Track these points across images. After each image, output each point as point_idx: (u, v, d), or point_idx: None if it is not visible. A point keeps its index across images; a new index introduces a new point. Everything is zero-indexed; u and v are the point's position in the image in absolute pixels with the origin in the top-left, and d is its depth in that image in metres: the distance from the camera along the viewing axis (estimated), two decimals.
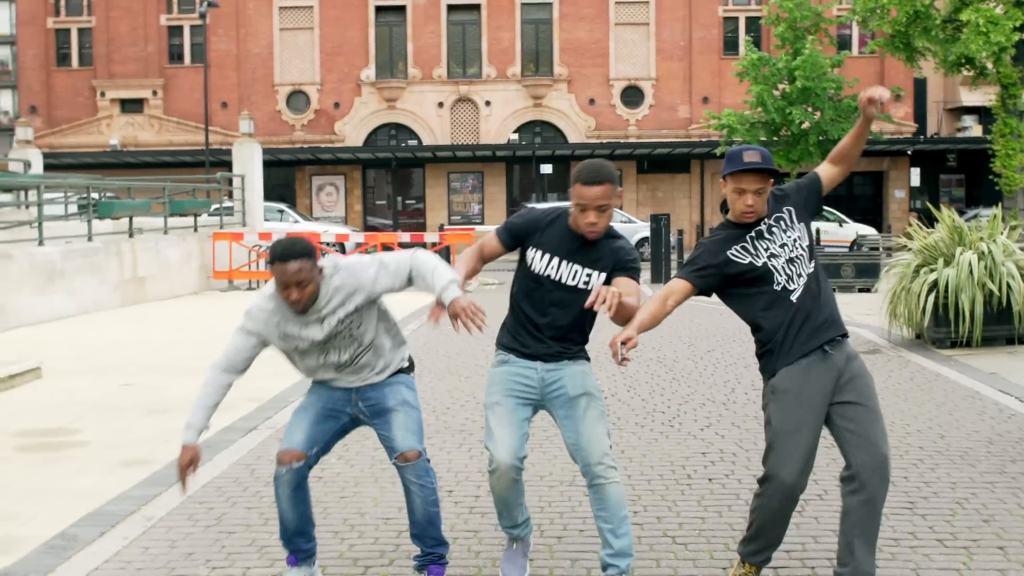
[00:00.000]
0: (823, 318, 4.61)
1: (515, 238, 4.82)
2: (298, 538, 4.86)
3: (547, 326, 4.77)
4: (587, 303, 4.38)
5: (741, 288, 4.69)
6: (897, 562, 5.14)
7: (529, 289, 4.81)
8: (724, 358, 12.00)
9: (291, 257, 4.49)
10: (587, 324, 4.83)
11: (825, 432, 4.68)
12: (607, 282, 4.66)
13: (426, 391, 10.07)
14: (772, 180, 4.68)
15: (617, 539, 4.69)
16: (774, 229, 4.69)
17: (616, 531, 4.69)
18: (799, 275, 4.63)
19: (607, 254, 4.71)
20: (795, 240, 4.68)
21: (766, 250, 4.65)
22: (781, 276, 4.62)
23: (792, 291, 4.61)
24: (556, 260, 4.70)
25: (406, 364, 5.00)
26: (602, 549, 4.74)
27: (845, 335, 4.66)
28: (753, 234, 4.67)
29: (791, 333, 4.59)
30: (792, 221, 4.72)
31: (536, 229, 4.78)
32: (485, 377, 10.14)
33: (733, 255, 4.65)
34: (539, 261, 4.73)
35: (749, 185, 4.59)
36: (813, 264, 4.69)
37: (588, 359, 4.89)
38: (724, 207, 4.86)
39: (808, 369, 4.56)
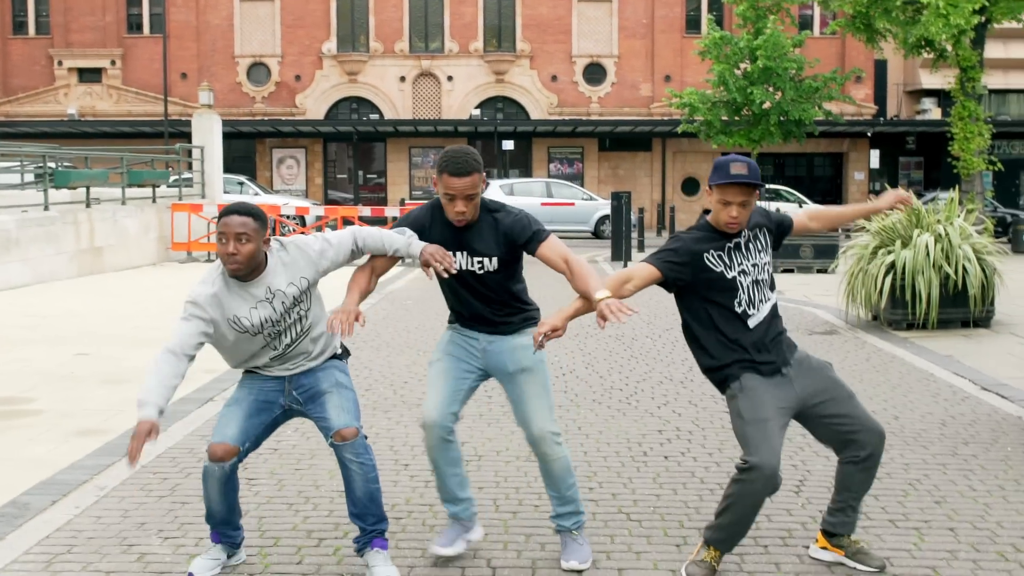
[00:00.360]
0: (776, 353, 4.68)
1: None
2: (223, 526, 4.78)
3: (473, 314, 4.88)
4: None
5: (702, 294, 4.68)
6: None
7: (442, 284, 4.92)
8: (683, 337, 12.02)
9: (236, 212, 4.49)
10: (513, 296, 4.89)
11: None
12: (530, 251, 4.75)
13: (384, 365, 10.05)
14: (758, 192, 4.67)
15: (563, 504, 4.89)
16: (751, 245, 4.70)
17: (563, 497, 4.89)
18: (761, 301, 4.67)
19: (489, 232, 4.76)
20: (764, 264, 4.71)
21: (739, 264, 4.66)
22: (743, 296, 4.64)
23: (750, 316, 4.64)
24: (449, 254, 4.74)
25: (339, 351, 4.95)
26: (552, 512, 4.95)
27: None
28: (732, 245, 4.66)
29: (744, 359, 4.64)
30: (766, 244, 4.76)
31: (422, 228, 4.83)
32: None
33: (708, 259, 4.63)
34: None
35: (735, 197, 4.56)
36: (774, 295, 4.75)
37: (535, 323, 4.93)
38: (706, 211, 4.86)
39: (769, 381, 4.63)
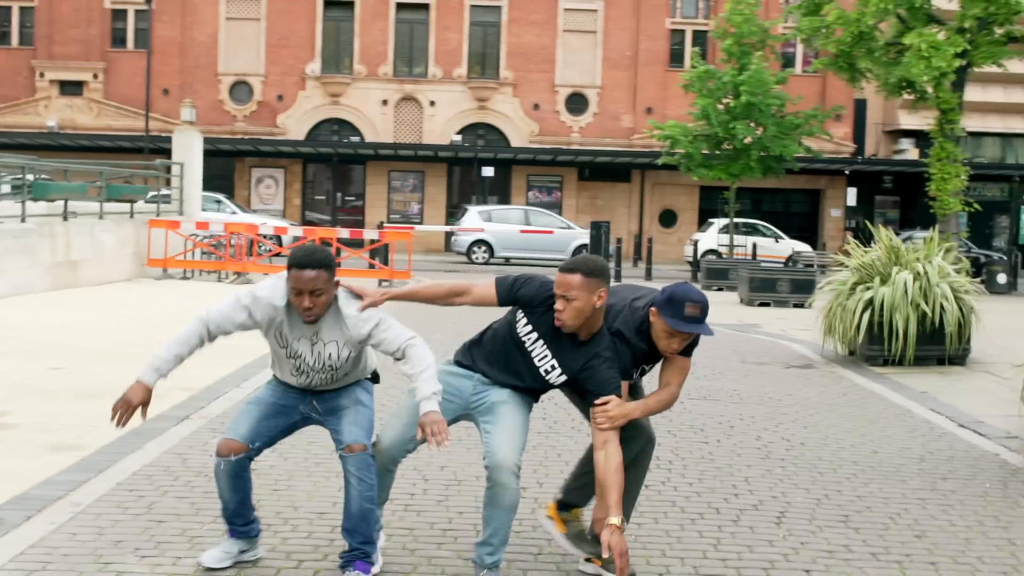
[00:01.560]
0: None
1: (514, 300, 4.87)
2: (236, 518, 4.96)
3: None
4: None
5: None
6: (831, 574, 5.17)
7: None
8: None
9: (309, 265, 4.54)
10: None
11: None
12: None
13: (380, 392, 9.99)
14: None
15: (491, 536, 4.80)
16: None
17: (493, 529, 4.80)
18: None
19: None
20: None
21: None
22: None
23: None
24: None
25: (368, 376, 5.09)
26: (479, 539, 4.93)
27: None
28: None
29: None
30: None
31: (532, 305, 4.82)
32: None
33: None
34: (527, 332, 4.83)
35: (680, 342, 4.85)
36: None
37: None
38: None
39: None
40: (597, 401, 4.69)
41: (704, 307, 4.74)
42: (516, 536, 5.56)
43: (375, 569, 4.92)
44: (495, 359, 4.87)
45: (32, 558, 5.05)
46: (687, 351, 5.00)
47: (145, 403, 4.71)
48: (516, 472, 4.69)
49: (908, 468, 7.38)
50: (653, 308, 4.78)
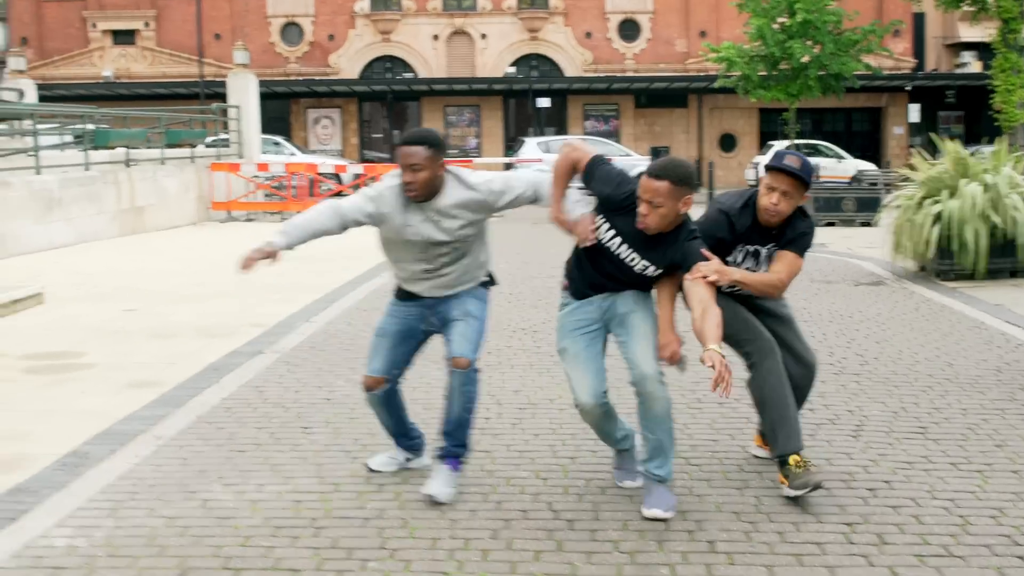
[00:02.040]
0: None
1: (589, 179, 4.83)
2: (399, 437, 5.39)
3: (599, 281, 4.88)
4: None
5: None
6: (912, 484, 5.13)
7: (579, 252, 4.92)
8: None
9: (409, 142, 4.77)
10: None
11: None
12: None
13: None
14: (806, 196, 4.95)
15: (657, 451, 4.77)
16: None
17: (658, 441, 4.76)
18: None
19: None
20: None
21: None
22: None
23: None
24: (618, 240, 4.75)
25: (486, 278, 5.23)
26: (644, 455, 4.88)
27: None
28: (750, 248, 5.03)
29: None
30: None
31: (610, 203, 4.77)
32: (502, 305, 10.08)
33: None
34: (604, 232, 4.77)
35: (779, 184, 4.84)
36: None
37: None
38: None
39: None
40: (687, 275, 4.63)
41: (804, 162, 4.83)
42: (576, 464, 5.59)
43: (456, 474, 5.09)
44: (592, 276, 4.83)
45: (120, 489, 5.14)
46: (798, 246, 4.95)
47: (273, 255, 4.76)
48: (661, 380, 4.70)
49: (985, 379, 7.29)
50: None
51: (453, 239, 4.90)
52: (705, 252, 4.66)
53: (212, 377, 7.51)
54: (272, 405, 6.68)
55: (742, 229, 4.95)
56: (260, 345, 8.66)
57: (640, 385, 4.70)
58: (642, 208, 4.55)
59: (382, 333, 5.19)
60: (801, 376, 5.23)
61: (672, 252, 4.66)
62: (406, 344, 5.17)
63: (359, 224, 4.89)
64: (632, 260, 4.69)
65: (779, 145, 35.69)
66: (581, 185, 4.81)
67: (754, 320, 5.07)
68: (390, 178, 4.92)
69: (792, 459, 4.84)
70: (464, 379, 4.94)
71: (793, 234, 4.97)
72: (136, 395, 7.03)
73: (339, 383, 7.23)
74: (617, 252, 4.70)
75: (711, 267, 4.62)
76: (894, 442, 5.82)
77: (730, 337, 4.92)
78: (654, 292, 4.87)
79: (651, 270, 4.73)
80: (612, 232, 4.69)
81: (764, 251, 5.01)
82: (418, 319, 5.14)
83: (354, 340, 8.75)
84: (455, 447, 5.06)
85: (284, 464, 5.48)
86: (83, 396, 7.09)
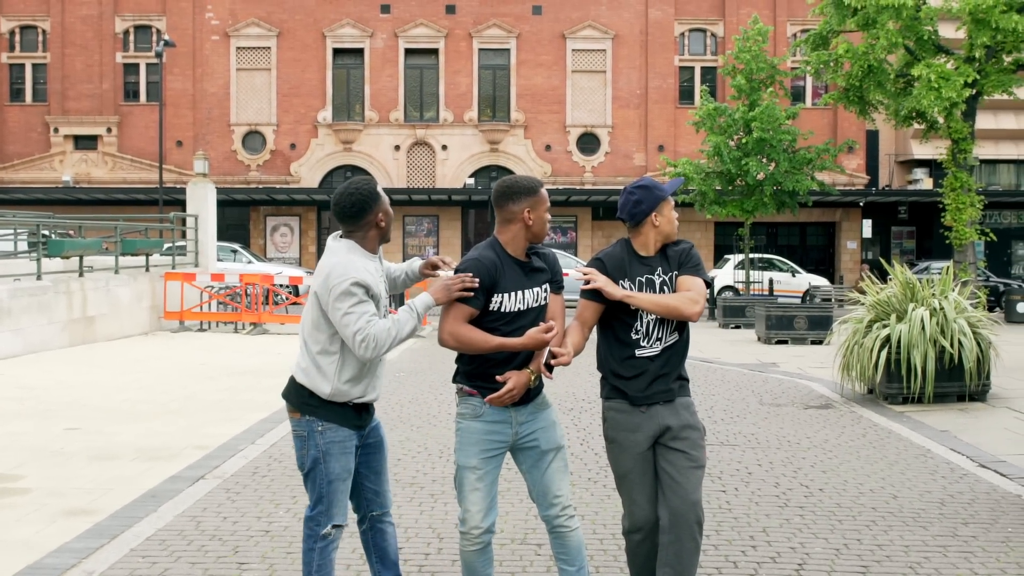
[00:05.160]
0: None
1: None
2: None
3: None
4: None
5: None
6: None
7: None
8: None
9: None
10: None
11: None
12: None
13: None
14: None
15: None
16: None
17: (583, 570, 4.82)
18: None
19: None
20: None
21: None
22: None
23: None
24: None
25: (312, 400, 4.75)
26: None
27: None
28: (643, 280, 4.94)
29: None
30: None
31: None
32: (437, 427, 10.02)
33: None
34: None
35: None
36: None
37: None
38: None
39: None
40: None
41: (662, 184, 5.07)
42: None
43: None
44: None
45: None
46: (696, 270, 4.96)
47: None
48: (572, 512, 4.88)
49: (928, 513, 7.29)
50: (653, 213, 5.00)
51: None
52: (581, 268, 4.90)
53: (149, 505, 7.38)
54: (208, 537, 6.55)
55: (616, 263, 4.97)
56: (201, 470, 8.53)
57: (549, 520, 4.83)
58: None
59: (345, 477, 4.80)
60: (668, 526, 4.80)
61: (545, 261, 4.92)
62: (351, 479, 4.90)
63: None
64: (535, 295, 4.81)
65: (734, 259, 36.04)
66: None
67: (645, 488, 4.87)
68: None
69: None
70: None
71: (683, 258, 4.99)
72: (70, 524, 6.89)
73: (279, 513, 7.12)
74: (522, 303, 4.77)
75: (599, 279, 4.80)
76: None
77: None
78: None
79: (543, 294, 4.84)
80: (511, 295, 4.78)
81: (657, 280, 4.93)
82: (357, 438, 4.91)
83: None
84: None
85: None
86: (16, 524, 6.94)
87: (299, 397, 4.66)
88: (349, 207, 4.74)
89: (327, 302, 4.54)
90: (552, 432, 4.82)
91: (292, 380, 4.71)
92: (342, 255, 4.64)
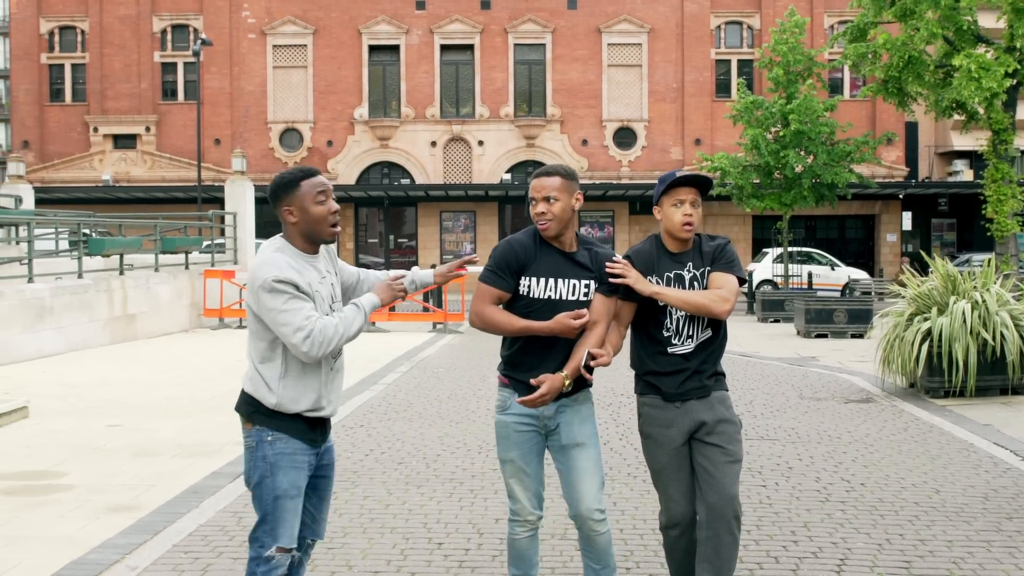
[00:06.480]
0: None
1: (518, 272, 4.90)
2: None
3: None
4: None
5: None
6: None
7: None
8: None
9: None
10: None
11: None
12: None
13: (416, 437, 9.97)
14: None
15: None
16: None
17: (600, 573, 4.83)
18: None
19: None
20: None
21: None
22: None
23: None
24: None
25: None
26: None
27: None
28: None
29: None
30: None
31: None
32: (476, 423, 10.04)
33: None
34: None
35: (688, 209, 4.84)
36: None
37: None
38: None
39: None
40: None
41: (700, 174, 4.90)
42: None
43: None
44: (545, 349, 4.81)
45: None
46: (730, 266, 4.88)
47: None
48: (602, 515, 4.85)
49: (972, 508, 7.22)
50: (655, 206, 4.93)
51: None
52: (617, 258, 4.84)
53: (191, 501, 7.43)
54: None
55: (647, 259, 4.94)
56: (242, 466, 8.57)
57: (579, 521, 4.79)
58: (540, 207, 4.72)
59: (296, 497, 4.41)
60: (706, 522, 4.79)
61: (593, 260, 4.81)
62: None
63: None
64: (571, 288, 4.76)
65: (773, 252, 35.85)
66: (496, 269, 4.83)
67: (681, 484, 4.87)
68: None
69: None
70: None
71: (717, 253, 4.92)
72: (113, 520, 6.94)
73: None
74: (554, 292, 4.74)
75: (631, 274, 4.75)
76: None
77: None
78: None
79: (583, 289, 4.77)
80: (541, 281, 4.76)
81: (687, 276, 4.89)
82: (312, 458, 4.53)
83: (341, 461, 8.66)
84: None
85: None
86: (60, 521, 7.00)
87: (248, 407, 4.34)
88: (268, 197, 4.43)
89: (258, 307, 4.22)
90: (576, 428, 4.78)
91: (242, 390, 4.41)
92: (266, 254, 4.30)
